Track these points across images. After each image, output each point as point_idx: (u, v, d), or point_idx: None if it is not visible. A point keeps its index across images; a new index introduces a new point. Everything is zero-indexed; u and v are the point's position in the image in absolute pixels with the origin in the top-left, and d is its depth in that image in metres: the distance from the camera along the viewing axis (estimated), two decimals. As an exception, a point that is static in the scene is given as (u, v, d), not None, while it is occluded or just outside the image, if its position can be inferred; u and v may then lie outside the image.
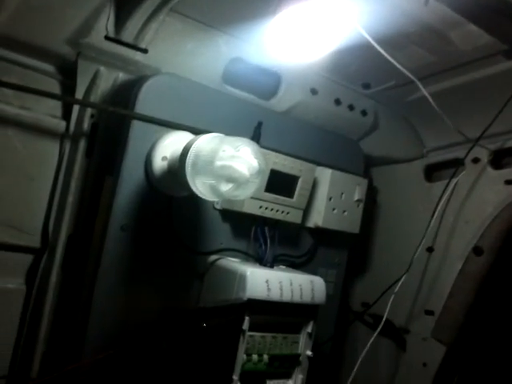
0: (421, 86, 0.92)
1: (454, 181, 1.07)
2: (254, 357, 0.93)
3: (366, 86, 1.09)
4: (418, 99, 1.09)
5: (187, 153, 0.83)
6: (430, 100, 0.93)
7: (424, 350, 1.07)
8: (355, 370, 1.07)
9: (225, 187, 0.83)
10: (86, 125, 0.97)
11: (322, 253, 1.16)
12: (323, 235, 1.14)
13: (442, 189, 1.08)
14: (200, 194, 0.84)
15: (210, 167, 0.81)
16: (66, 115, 0.99)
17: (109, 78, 0.98)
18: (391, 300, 1.06)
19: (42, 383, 0.93)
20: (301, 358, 0.98)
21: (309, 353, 0.98)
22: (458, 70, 0.98)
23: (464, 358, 1.06)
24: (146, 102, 0.93)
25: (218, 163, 0.81)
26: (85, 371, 0.90)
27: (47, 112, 0.98)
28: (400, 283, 1.06)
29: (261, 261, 1.02)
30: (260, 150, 0.83)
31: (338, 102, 1.09)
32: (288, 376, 0.98)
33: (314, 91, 1.07)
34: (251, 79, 1.05)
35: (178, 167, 0.87)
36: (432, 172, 1.18)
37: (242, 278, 0.91)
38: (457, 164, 1.08)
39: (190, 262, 0.99)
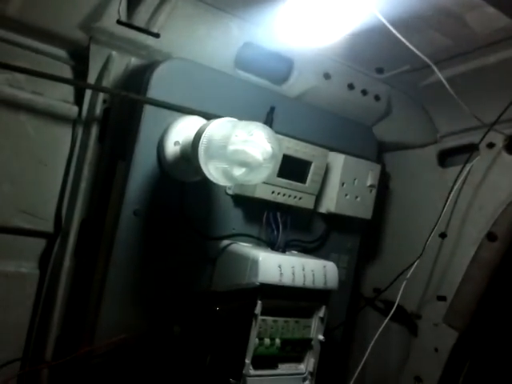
0: (436, 70, 0.90)
1: (468, 166, 1.06)
2: (267, 341, 0.93)
3: (380, 71, 1.07)
4: (432, 84, 1.07)
5: (200, 137, 0.83)
6: (446, 84, 0.92)
7: (436, 335, 1.07)
8: (366, 355, 1.07)
9: (238, 172, 0.82)
10: (98, 110, 0.97)
11: (335, 238, 1.16)
12: (335, 221, 1.14)
13: (456, 174, 1.07)
14: (213, 179, 0.84)
15: (223, 152, 0.81)
16: (79, 101, 0.99)
17: (121, 63, 0.97)
18: (403, 285, 1.05)
19: (55, 366, 0.94)
20: (313, 342, 0.99)
21: (321, 337, 0.98)
22: (474, 54, 0.96)
23: (476, 344, 1.05)
24: (158, 87, 0.93)
25: (231, 148, 0.81)
26: (98, 354, 0.92)
27: (60, 97, 0.98)
28: (412, 269, 1.06)
29: (273, 246, 1.02)
30: (274, 134, 0.83)
31: (351, 86, 1.08)
32: (300, 360, 0.99)
33: (326, 76, 1.06)
34: (263, 64, 1.04)
35: (190, 152, 0.87)
36: (446, 157, 1.17)
37: (255, 263, 0.91)
38: (471, 149, 1.07)
39: (202, 247, 1.00)
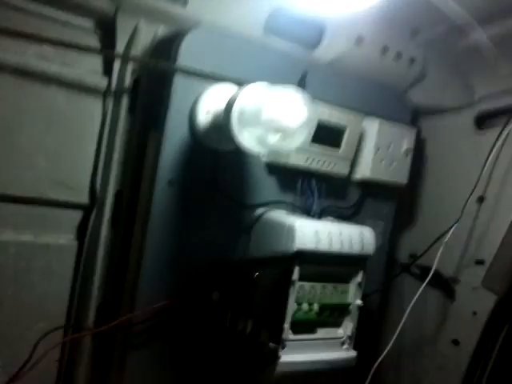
0: (478, 28, 0.86)
1: (507, 129, 1.02)
2: (305, 306, 0.94)
3: (415, 32, 1.03)
4: (469, 44, 1.03)
5: (232, 104, 0.81)
6: (487, 43, 0.88)
7: (474, 299, 1.06)
8: (403, 320, 1.07)
9: (272, 138, 0.81)
10: (127, 81, 0.96)
11: (370, 205, 1.15)
12: (371, 187, 1.12)
13: (494, 137, 1.03)
14: (246, 147, 0.83)
15: (257, 118, 0.79)
16: (108, 72, 0.98)
17: (148, 33, 0.96)
18: (441, 250, 1.04)
19: (97, 333, 0.97)
20: (350, 307, 0.99)
21: (359, 302, 0.98)
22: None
23: (515, 308, 1.04)
24: (187, 56, 0.91)
25: (266, 113, 0.79)
26: (139, 321, 0.93)
27: (89, 69, 0.97)
28: (450, 233, 1.04)
29: (308, 213, 1.01)
30: (308, 98, 0.81)
31: (385, 50, 1.04)
32: (338, 325, 0.99)
33: (359, 40, 1.02)
34: (294, 29, 1.01)
35: (222, 120, 0.86)
36: (483, 120, 1.13)
37: (291, 230, 0.91)
38: (510, 111, 1.03)
39: (237, 216, 0.99)
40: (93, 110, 0.98)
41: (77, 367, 0.99)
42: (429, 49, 1.09)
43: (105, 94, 0.97)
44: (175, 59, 0.91)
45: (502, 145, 1.04)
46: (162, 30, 0.96)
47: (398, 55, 1.05)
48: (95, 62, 0.97)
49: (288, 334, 0.92)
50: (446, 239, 1.05)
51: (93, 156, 0.99)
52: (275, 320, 0.91)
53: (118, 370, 0.97)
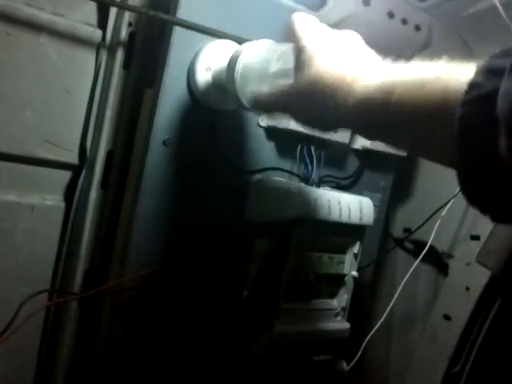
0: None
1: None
2: (300, 275, 0.92)
3: (422, -1, 1.01)
4: (475, 13, 1.01)
5: (236, 61, 0.78)
6: (500, 8, 0.86)
7: (467, 274, 1.06)
8: (396, 295, 1.06)
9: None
10: (123, 33, 0.91)
11: (368, 176, 1.12)
12: (370, 157, 1.10)
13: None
14: (249, 106, 0.79)
15: (262, 74, 0.76)
16: (102, 23, 0.92)
17: (147, -18, 0.91)
18: (437, 225, 1.03)
19: (84, 298, 0.93)
20: (346, 278, 0.97)
21: (354, 273, 0.97)
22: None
23: (509, 283, 1.04)
24: (188, 8, 0.86)
25: (271, 69, 0.76)
26: (128, 287, 0.90)
27: (82, 19, 0.91)
28: (447, 208, 1.03)
29: (307, 181, 0.99)
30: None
31: (391, 14, 1.01)
32: (333, 295, 0.98)
33: (366, 2, 0.99)
34: (299, -12, 0.98)
35: (224, 77, 0.82)
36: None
37: (290, 196, 0.88)
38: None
39: (234, 181, 0.96)
40: (85, 63, 0.92)
41: (61, 333, 0.95)
42: (435, 16, 1.07)
43: (98, 47, 0.92)
44: (175, 11, 0.86)
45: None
46: (162, -20, 0.91)
47: (404, 21, 1.02)
48: (89, 12, 0.91)
49: (282, 304, 0.91)
50: (443, 214, 1.04)
51: (84, 113, 0.94)
52: (270, 289, 0.89)
53: (104, 337, 0.94)
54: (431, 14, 1.06)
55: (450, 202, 1.04)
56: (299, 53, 0.63)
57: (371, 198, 1.04)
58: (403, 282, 1.06)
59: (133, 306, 0.92)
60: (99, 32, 0.92)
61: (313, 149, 1.00)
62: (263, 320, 0.89)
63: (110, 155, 0.94)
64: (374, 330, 1.04)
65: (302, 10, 0.99)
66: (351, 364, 1.04)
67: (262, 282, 0.88)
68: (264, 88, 0.76)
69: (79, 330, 0.96)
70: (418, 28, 1.05)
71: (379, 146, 1.07)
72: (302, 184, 0.98)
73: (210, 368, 0.96)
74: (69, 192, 0.96)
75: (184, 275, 0.93)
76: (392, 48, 1.09)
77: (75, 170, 0.95)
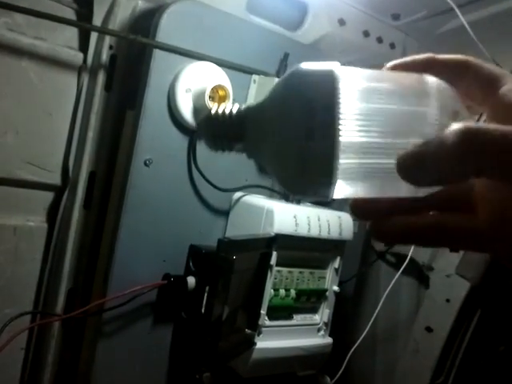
0: (459, 13, 0.87)
1: (482, 118, 1.04)
2: (282, 291, 0.93)
3: (396, 17, 1.03)
4: (448, 31, 1.04)
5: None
6: (468, 28, 0.89)
7: (447, 286, 1.07)
8: (379, 307, 1.07)
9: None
10: (104, 56, 0.93)
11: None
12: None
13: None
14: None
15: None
16: (83, 47, 0.94)
17: (127, 7, 0.92)
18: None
19: (67, 319, 0.93)
20: (327, 293, 0.98)
21: (335, 288, 0.98)
22: (495, -3, 0.93)
23: (488, 294, 1.06)
24: (167, 31, 0.88)
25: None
26: (111, 307, 0.90)
27: (63, 43, 0.93)
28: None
29: (287, 197, 1.00)
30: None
31: (366, 33, 1.04)
32: (314, 311, 0.99)
33: (341, 22, 1.02)
34: (276, 9, 1.00)
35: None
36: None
37: (270, 213, 0.90)
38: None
39: (215, 199, 0.97)
40: (67, 85, 0.94)
41: (44, 354, 0.95)
42: (409, 34, 1.10)
43: (80, 70, 0.93)
44: (154, 34, 0.88)
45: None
46: (141, 4, 0.93)
47: (379, 40, 1.05)
48: (70, 36, 0.93)
49: (264, 320, 0.91)
50: (422, 227, 1.06)
51: (66, 135, 0.95)
52: (252, 306, 0.90)
53: (88, 357, 0.94)
54: (405, 32, 1.09)
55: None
56: None
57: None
58: (385, 295, 1.07)
59: (115, 325, 0.92)
60: (80, 55, 0.93)
61: (292, 166, 1.01)
62: (245, 338, 0.89)
63: (92, 176, 0.95)
64: (356, 344, 1.05)
65: (279, 31, 1.01)
66: (335, 379, 1.05)
67: (243, 300, 0.89)
68: None
69: (62, 350, 0.96)
70: (392, 46, 1.08)
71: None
72: (282, 201, 0.99)
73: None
74: (51, 213, 0.96)
75: (166, 294, 0.94)
76: (368, 66, 1.12)
77: (58, 190, 0.96)
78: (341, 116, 0.30)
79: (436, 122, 0.31)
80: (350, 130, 0.30)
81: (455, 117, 0.32)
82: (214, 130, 0.35)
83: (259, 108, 0.34)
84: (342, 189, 0.32)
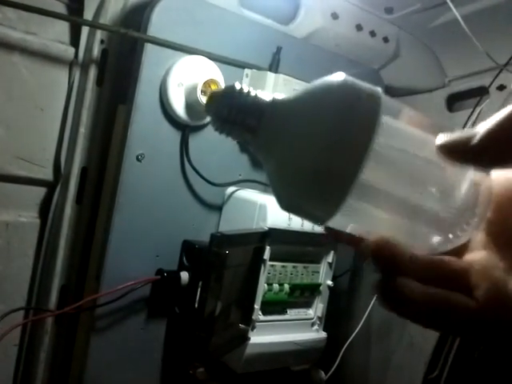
0: (452, 6, 0.87)
1: (478, 110, 1.04)
2: (275, 286, 0.92)
3: (389, 11, 1.03)
4: (442, 24, 1.04)
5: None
6: (461, 21, 0.88)
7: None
8: (372, 302, 1.07)
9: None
10: (95, 51, 0.92)
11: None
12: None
13: (465, 119, 1.05)
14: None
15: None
16: (75, 41, 0.93)
17: (118, 1, 0.92)
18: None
19: (60, 315, 0.93)
20: (321, 287, 0.98)
21: (329, 282, 0.98)
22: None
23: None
24: (159, 25, 0.88)
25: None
26: (103, 303, 0.90)
27: (54, 38, 0.92)
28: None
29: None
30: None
31: (359, 27, 1.03)
32: (308, 305, 0.99)
33: (334, 16, 1.02)
34: (269, 2, 1.00)
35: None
36: (454, 101, 1.14)
37: (263, 208, 0.89)
38: (481, 92, 1.04)
39: (208, 194, 0.97)
40: (58, 81, 0.93)
41: (38, 351, 0.95)
42: (402, 28, 1.09)
43: (71, 65, 0.93)
44: (146, 29, 0.87)
45: (473, 126, 1.05)
46: (132, -1, 0.92)
47: (372, 33, 1.05)
48: (61, 31, 0.92)
49: (258, 315, 0.91)
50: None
51: (57, 130, 0.94)
52: (245, 301, 0.90)
53: (81, 354, 0.93)
54: (399, 25, 1.08)
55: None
56: None
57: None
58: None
59: (108, 321, 0.92)
60: (72, 50, 0.93)
61: (286, 160, 1.01)
62: (239, 333, 0.89)
63: (84, 171, 0.94)
64: (351, 338, 1.05)
65: (271, 25, 1.01)
66: (329, 373, 1.05)
67: (237, 295, 0.88)
68: None
69: (55, 346, 0.96)
70: (386, 40, 1.07)
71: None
72: (276, 195, 0.99)
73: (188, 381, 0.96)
74: (44, 208, 0.96)
75: (160, 290, 0.93)
76: (361, 60, 1.12)
77: (50, 186, 0.96)
78: (373, 150, 0.27)
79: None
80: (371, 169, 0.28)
81: None
82: (229, 111, 0.30)
83: (286, 105, 0.30)
84: (337, 220, 0.29)
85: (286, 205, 0.31)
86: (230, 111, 0.30)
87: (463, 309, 0.29)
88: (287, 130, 0.29)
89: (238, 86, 0.31)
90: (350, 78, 0.30)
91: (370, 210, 0.30)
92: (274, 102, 0.30)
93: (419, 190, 0.29)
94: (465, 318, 0.29)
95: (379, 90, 0.29)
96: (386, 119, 0.29)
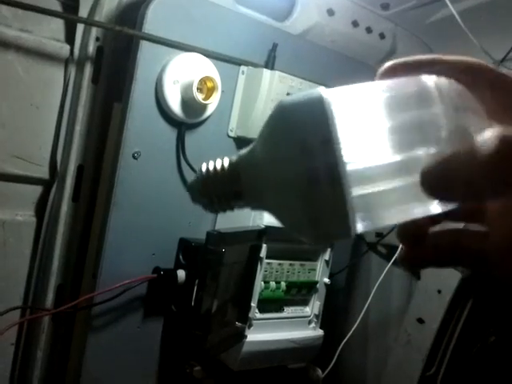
0: (448, 2, 0.87)
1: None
2: (272, 284, 0.92)
3: (385, 7, 1.03)
4: (438, 20, 1.03)
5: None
6: (457, 17, 0.88)
7: (439, 277, 1.07)
8: (370, 299, 1.07)
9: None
10: (91, 48, 0.92)
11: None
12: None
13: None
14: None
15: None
16: (70, 39, 0.93)
17: (114, -2, 0.92)
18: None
19: (56, 314, 0.93)
20: (318, 285, 0.98)
21: (326, 280, 0.98)
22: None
23: (479, 285, 1.06)
24: (154, 22, 0.87)
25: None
26: (100, 302, 0.90)
27: (49, 35, 0.92)
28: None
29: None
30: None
31: (355, 23, 1.03)
32: (305, 303, 0.99)
33: (330, 12, 1.01)
34: (265, 0, 0.99)
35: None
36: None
37: (259, 206, 0.89)
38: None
39: (204, 192, 0.97)
40: (54, 79, 0.93)
41: (34, 349, 0.95)
42: (398, 24, 1.09)
43: (66, 62, 0.92)
44: (141, 26, 0.87)
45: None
46: (128, -4, 0.92)
47: (368, 30, 1.05)
48: (57, 28, 0.92)
49: (255, 313, 0.91)
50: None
51: (53, 128, 0.94)
52: (242, 299, 0.90)
53: (78, 352, 0.93)
54: (395, 22, 1.08)
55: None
56: None
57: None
58: (376, 286, 1.07)
59: (105, 320, 0.92)
60: (67, 47, 0.92)
61: (282, 158, 1.01)
62: (235, 331, 0.89)
63: (80, 169, 0.94)
64: (348, 336, 1.05)
65: (267, 22, 1.00)
66: (326, 371, 1.05)
67: (233, 293, 0.88)
68: None
69: (52, 345, 0.96)
70: (382, 36, 1.07)
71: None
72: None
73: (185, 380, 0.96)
74: (40, 207, 0.96)
75: (156, 288, 0.93)
76: (357, 56, 1.12)
77: (46, 184, 0.95)
78: (342, 146, 0.26)
79: (446, 124, 0.28)
80: (358, 157, 0.26)
81: (465, 115, 0.28)
82: (210, 193, 0.30)
83: (251, 157, 0.30)
84: (364, 222, 0.27)
85: (315, 241, 0.30)
86: (210, 198, 0.31)
87: (477, 235, 0.29)
88: (264, 180, 0.29)
89: (204, 167, 0.31)
90: (287, 101, 0.28)
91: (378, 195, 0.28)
92: (242, 159, 0.30)
93: (417, 152, 0.28)
94: (478, 246, 0.28)
95: (321, 93, 0.27)
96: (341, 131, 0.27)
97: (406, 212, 0.29)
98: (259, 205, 0.31)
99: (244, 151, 0.31)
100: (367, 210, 0.27)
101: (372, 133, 0.27)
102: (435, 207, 0.28)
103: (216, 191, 0.30)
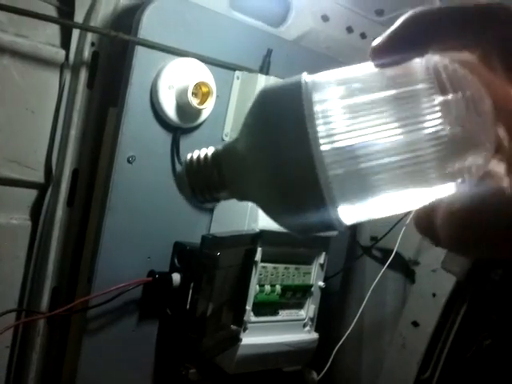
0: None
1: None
2: (267, 287, 0.93)
3: (380, 13, 1.03)
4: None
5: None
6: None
7: (433, 281, 1.08)
8: (364, 302, 1.07)
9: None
10: (86, 53, 0.92)
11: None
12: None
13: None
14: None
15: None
16: (65, 44, 0.94)
17: (109, 3, 0.92)
18: (402, 232, 1.05)
19: (52, 317, 0.93)
20: (313, 288, 0.98)
21: (321, 283, 0.98)
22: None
23: (474, 288, 1.06)
24: (149, 28, 0.88)
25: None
26: (95, 304, 0.90)
27: (45, 40, 0.92)
28: (411, 215, 1.05)
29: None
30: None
31: (349, 29, 1.04)
32: (300, 306, 0.99)
33: (325, 18, 1.02)
34: (260, 5, 1.00)
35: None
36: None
37: (254, 209, 0.90)
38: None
39: (199, 196, 0.97)
40: (49, 83, 0.93)
41: (30, 352, 0.95)
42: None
43: (62, 67, 0.93)
44: (136, 31, 0.87)
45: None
46: (123, 1, 0.92)
47: (363, 35, 1.05)
48: (52, 33, 0.93)
49: (250, 316, 0.91)
50: (407, 222, 1.06)
51: (48, 132, 0.95)
52: (237, 302, 0.90)
53: (73, 356, 0.93)
54: (389, 27, 1.09)
55: (414, 211, 1.05)
56: None
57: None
58: (371, 289, 1.07)
59: (100, 323, 0.92)
60: (62, 52, 0.93)
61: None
62: (230, 334, 0.89)
63: (75, 173, 0.95)
64: (343, 339, 1.05)
65: (262, 27, 1.01)
66: (321, 374, 1.05)
67: (228, 296, 0.89)
68: None
69: (47, 347, 0.96)
70: (376, 42, 1.07)
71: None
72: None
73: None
74: (35, 211, 0.96)
75: (151, 291, 0.94)
76: (352, 62, 1.12)
77: (41, 188, 0.96)
78: (317, 122, 0.25)
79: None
80: (338, 133, 0.25)
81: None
82: (193, 183, 0.30)
83: (233, 146, 0.29)
84: (351, 210, 0.26)
85: (299, 233, 0.30)
86: (193, 188, 0.30)
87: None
88: (244, 169, 0.28)
89: (188, 157, 0.30)
90: (266, 88, 0.28)
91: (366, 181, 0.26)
92: (224, 150, 0.30)
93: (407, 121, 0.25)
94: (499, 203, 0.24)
95: (301, 77, 0.27)
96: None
97: (400, 195, 0.26)
98: (241, 195, 0.30)
99: (227, 142, 0.30)
100: (352, 191, 0.25)
101: (355, 109, 0.25)
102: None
103: (199, 181, 0.30)
